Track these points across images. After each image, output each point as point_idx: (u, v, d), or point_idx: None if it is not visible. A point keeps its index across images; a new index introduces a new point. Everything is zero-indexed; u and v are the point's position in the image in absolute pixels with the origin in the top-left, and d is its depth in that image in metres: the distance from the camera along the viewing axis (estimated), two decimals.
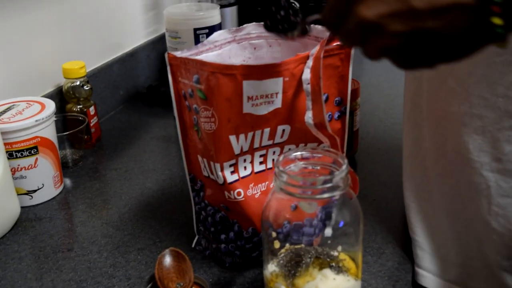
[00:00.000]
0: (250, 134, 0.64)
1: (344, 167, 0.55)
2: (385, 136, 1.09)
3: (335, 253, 0.61)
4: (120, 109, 1.30)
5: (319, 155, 0.60)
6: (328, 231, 0.59)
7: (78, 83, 1.06)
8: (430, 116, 0.67)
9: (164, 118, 1.22)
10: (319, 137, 0.62)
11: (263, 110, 0.63)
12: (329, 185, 0.54)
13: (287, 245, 0.61)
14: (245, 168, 0.66)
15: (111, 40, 1.29)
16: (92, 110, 1.09)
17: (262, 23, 0.70)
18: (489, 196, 0.62)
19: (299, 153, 0.59)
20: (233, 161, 0.65)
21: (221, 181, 0.65)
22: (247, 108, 0.62)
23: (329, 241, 0.61)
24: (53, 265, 0.75)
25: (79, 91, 1.07)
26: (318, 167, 0.60)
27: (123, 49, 1.33)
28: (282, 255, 0.61)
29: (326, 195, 0.54)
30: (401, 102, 1.26)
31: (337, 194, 0.55)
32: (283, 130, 0.65)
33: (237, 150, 0.64)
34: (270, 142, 0.66)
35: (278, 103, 0.63)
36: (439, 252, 0.70)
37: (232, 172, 0.65)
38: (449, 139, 0.65)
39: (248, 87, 0.60)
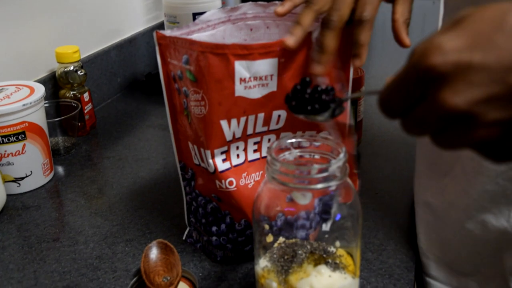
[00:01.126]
0: (242, 119, 0.59)
1: (341, 155, 0.51)
2: (390, 128, 1.05)
3: (332, 249, 0.57)
4: (117, 97, 1.26)
5: (316, 143, 0.56)
6: (326, 225, 0.55)
7: (71, 68, 1.02)
8: None
9: (162, 106, 1.16)
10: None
11: (257, 93, 0.58)
12: (325, 174, 0.50)
13: (281, 239, 0.57)
14: (237, 156, 0.62)
15: (109, 26, 1.25)
16: (86, 96, 1.05)
17: (259, 2, 0.66)
18: (509, 204, 0.58)
19: (294, 140, 0.55)
20: (224, 148, 0.61)
21: (212, 169, 0.61)
22: (239, 91, 0.57)
23: (326, 236, 0.57)
24: (37, 255, 0.71)
25: (73, 76, 1.03)
26: (315, 156, 0.56)
27: (121, 35, 1.29)
28: (275, 249, 0.57)
29: (321, 186, 0.50)
30: None
31: (333, 184, 0.51)
32: (279, 116, 0.61)
33: (228, 136, 0.60)
34: (265, 128, 0.62)
35: (273, 86, 0.58)
36: (445, 260, 0.66)
37: (224, 160, 0.61)
38: None
39: (241, 68, 0.56)
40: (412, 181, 0.76)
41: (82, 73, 1.03)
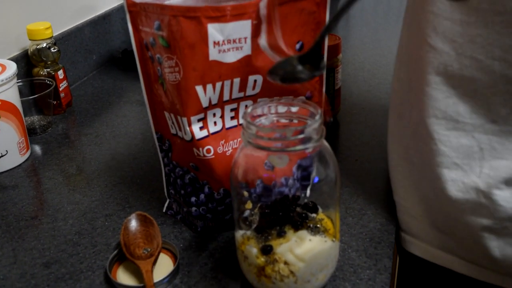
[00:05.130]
0: (218, 85, 0.58)
1: (317, 117, 0.51)
2: (369, 96, 1.05)
3: (313, 214, 0.57)
4: (94, 74, 1.24)
5: (293, 108, 0.55)
6: (305, 192, 0.55)
7: (44, 45, 1.00)
8: (416, 76, 0.62)
9: (139, 82, 1.16)
10: (275, 60, 0.56)
11: (232, 57, 0.57)
12: (301, 136, 0.49)
13: (260, 205, 0.57)
14: (215, 123, 0.61)
15: (82, 2, 1.23)
16: (61, 74, 1.03)
17: None
18: (482, 159, 0.58)
19: (270, 104, 0.54)
20: (201, 116, 0.60)
21: (189, 137, 0.61)
22: (213, 55, 0.56)
23: (305, 200, 0.57)
24: (15, 233, 0.70)
25: (46, 53, 1.01)
26: (292, 121, 0.55)
27: (95, 11, 1.27)
28: (255, 216, 0.56)
29: (298, 148, 0.50)
30: (386, 63, 1.23)
31: (310, 146, 0.50)
32: (255, 81, 0.60)
33: (205, 103, 0.59)
34: (241, 94, 0.61)
35: (247, 49, 0.57)
36: (428, 219, 0.66)
37: (201, 128, 0.60)
38: (437, 101, 0.60)
39: (214, 31, 0.55)
40: None
41: (55, 50, 1.01)
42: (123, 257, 0.63)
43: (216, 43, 0.56)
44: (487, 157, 0.58)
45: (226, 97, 0.60)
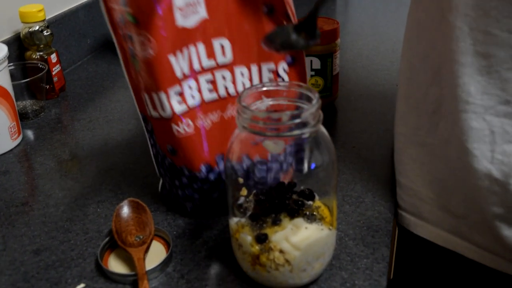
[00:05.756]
0: (185, 51, 0.58)
1: (314, 101, 0.49)
2: (367, 82, 1.03)
3: (309, 201, 0.55)
4: (88, 58, 1.22)
5: (289, 92, 0.54)
6: (301, 167, 0.53)
7: (37, 28, 0.98)
8: (426, 56, 0.60)
9: None
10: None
11: (191, 21, 0.57)
12: (297, 121, 0.48)
13: (255, 192, 0.55)
14: (193, 96, 0.60)
15: None
16: (54, 57, 1.01)
17: None
18: (493, 143, 0.56)
19: (265, 88, 0.53)
20: (177, 88, 0.58)
21: (168, 113, 0.59)
22: (179, 20, 0.57)
23: (301, 187, 0.55)
24: (5, 220, 0.69)
25: (39, 36, 0.99)
26: (288, 105, 0.54)
27: None
28: (249, 203, 0.55)
29: (294, 132, 0.48)
30: (385, 49, 1.21)
31: (306, 131, 0.49)
32: (222, 46, 0.60)
33: (178, 72, 0.58)
34: (212, 62, 0.60)
35: (203, 12, 0.58)
36: (439, 201, 0.64)
37: (180, 102, 0.59)
38: (447, 81, 0.58)
39: None
40: (388, 134, 0.74)
41: (48, 33, 0.99)
42: (115, 245, 0.62)
43: (179, 9, 0.56)
44: (499, 141, 0.56)
45: (196, 65, 0.59)
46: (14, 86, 0.86)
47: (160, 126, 0.62)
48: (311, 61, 0.88)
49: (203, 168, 0.62)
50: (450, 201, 0.63)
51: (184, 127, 0.59)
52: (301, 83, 0.53)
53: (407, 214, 0.69)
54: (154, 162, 0.68)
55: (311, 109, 0.48)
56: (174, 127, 0.59)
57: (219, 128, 0.62)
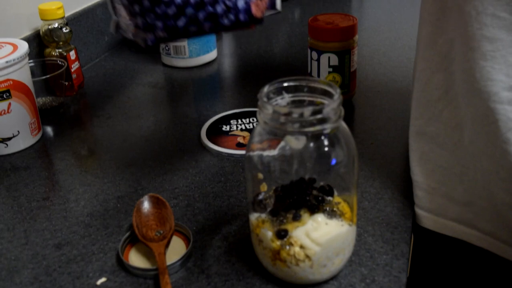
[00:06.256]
0: None
1: (336, 97, 0.49)
2: (384, 79, 1.03)
3: (329, 197, 0.55)
4: (106, 56, 1.23)
5: (311, 85, 0.54)
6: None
7: (56, 25, 0.99)
8: (439, 46, 0.60)
9: (151, 64, 1.15)
10: None
11: None
12: (319, 116, 0.48)
13: (275, 188, 0.55)
14: None
15: None
16: (72, 54, 1.02)
17: None
18: (498, 131, 0.56)
19: (286, 84, 0.53)
20: None
21: None
22: None
23: (321, 183, 0.55)
24: (27, 214, 0.70)
25: (58, 33, 0.99)
26: (310, 101, 0.54)
27: None
28: (269, 198, 0.55)
29: (316, 128, 0.48)
30: (402, 45, 1.20)
31: (328, 127, 0.49)
32: None
33: None
34: None
35: None
36: (442, 190, 0.64)
37: None
38: (457, 68, 0.58)
39: None
40: (406, 130, 0.74)
41: (67, 30, 1.00)
42: (135, 239, 0.62)
43: None
44: (503, 129, 0.56)
45: None
46: (34, 83, 0.87)
47: None
48: (329, 57, 0.88)
49: None
50: (455, 189, 0.63)
51: None
52: (324, 80, 0.53)
53: (415, 208, 0.68)
54: None
55: (333, 105, 0.48)
56: None
57: None
